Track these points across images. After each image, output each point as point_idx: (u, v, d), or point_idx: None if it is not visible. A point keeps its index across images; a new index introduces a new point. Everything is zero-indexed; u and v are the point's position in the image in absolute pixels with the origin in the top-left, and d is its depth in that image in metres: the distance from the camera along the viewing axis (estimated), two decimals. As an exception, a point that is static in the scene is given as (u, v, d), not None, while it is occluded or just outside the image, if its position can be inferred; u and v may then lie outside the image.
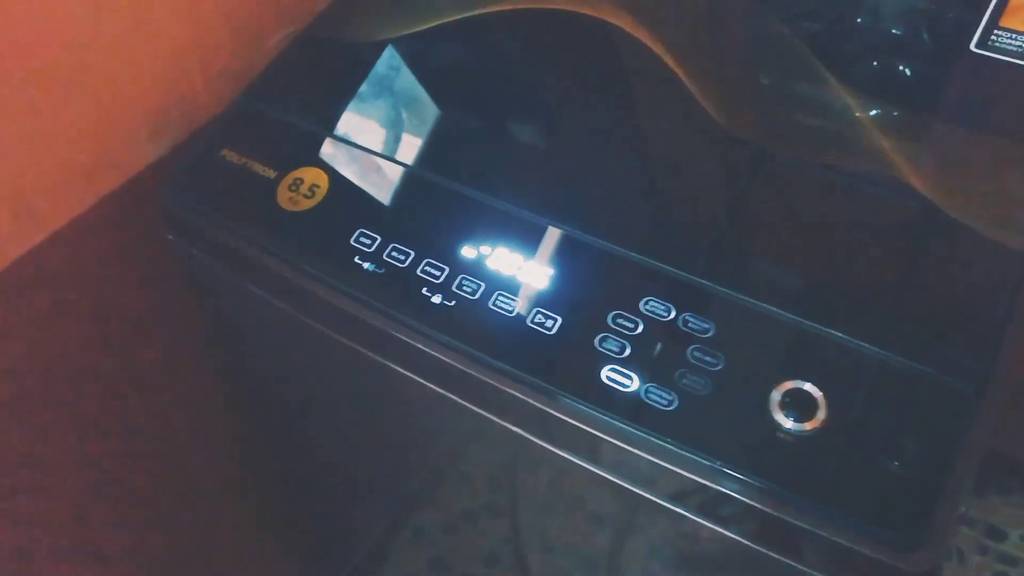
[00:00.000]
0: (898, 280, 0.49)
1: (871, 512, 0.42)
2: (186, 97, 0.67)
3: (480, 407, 0.51)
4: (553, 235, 0.52)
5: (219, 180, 0.59)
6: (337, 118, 0.61)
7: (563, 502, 0.55)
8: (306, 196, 0.57)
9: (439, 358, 0.50)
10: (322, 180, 0.57)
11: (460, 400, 0.51)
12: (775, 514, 0.43)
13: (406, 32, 0.65)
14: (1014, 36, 0.57)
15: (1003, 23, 0.58)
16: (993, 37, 0.57)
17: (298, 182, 0.57)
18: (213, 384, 0.80)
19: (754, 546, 0.45)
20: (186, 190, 0.59)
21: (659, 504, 0.47)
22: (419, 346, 0.51)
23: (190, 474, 0.84)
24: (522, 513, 0.60)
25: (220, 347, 0.72)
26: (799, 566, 0.44)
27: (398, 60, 0.65)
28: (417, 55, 0.65)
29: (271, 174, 0.58)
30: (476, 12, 0.66)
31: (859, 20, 0.62)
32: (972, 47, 0.57)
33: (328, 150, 0.59)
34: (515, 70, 0.65)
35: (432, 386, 0.52)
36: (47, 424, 0.68)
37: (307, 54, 0.66)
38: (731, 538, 0.46)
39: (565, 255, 0.51)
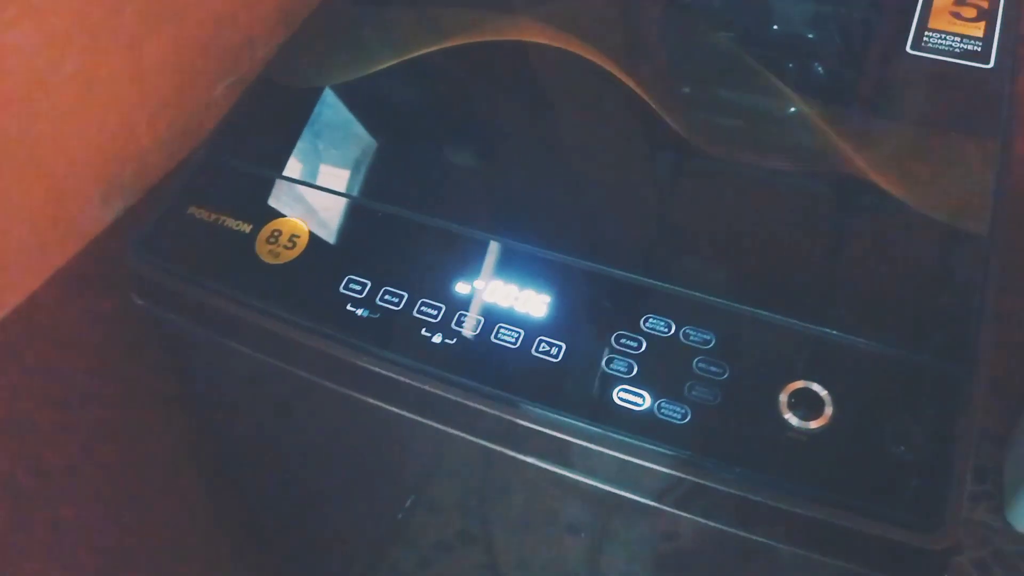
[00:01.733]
0: (879, 275, 0.51)
1: (891, 498, 0.44)
2: (136, 156, 0.65)
3: (494, 443, 0.51)
4: (545, 262, 0.53)
5: (191, 239, 0.57)
6: (306, 165, 0.61)
7: (585, 527, 0.56)
8: (287, 247, 0.56)
9: (447, 398, 0.50)
10: (301, 230, 0.56)
11: (472, 438, 0.51)
12: (799, 512, 0.45)
13: (364, 72, 0.65)
14: (943, 36, 0.61)
15: (932, 25, 0.62)
16: (925, 38, 0.61)
17: (277, 234, 0.56)
18: (184, 443, 0.77)
19: (780, 546, 0.47)
20: (156, 252, 0.57)
21: (684, 518, 0.48)
22: (426, 388, 0.50)
23: (162, 532, 0.80)
24: (542, 543, 0.60)
25: (196, 406, 0.70)
26: (827, 560, 0.46)
27: (361, 100, 0.64)
28: (379, 94, 0.65)
29: (246, 228, 0.57)
30: (431, 48, 0.66)
31: (804, 33, 0.65)
32: (908, 49, 0.61)
33: (303, 198, 0.59)
34: (481, 102, 0.65)
35: (441, 427, 0.52)
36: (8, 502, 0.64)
37: (265, 101, 0.65)
38: (758, 541, 0.47)
39: (559, 281, 0.52)
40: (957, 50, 0.61)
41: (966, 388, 0.46)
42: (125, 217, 0.65)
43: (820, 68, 0.62)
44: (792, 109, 0.59)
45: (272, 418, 0.65)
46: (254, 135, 0.63)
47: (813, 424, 0.46)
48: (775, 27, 0.67)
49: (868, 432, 0.46)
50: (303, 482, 0.71)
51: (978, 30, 0.62)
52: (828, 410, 0.46)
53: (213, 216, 0.58)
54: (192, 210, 0.58)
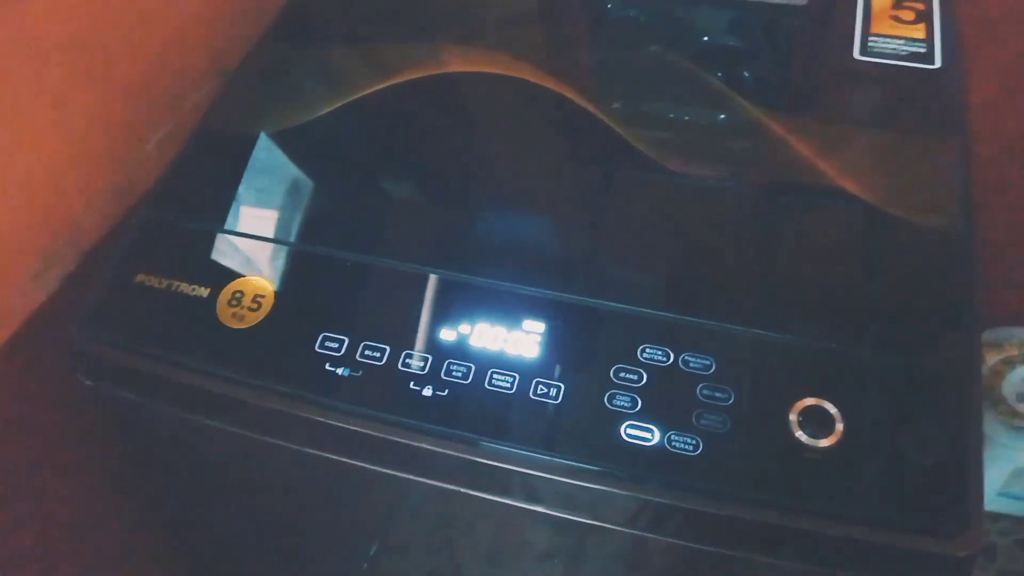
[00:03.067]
0: (869, 283, 0.51)
1: (913, 508, 0.43)
2: (69, 222, 0.60)
3: (499, 495, 0.48)
4: (529, 300, 0.51)
5: (143, 310, 0.53)
6: (261, 218, 0.57)
7: (599, 567, 0.54)
8: (251, 309, 0.52)
9: (448, 455, 0.47)
10: (265, 288, 0.53)
11: (475, 493, 0.48)
12: (825, 533, 0.44)
13: (310, 115, 0.62)
14: (887, 40, 0.62)
15: (875, 30, 0.63)
16: (871, 43, 0.62)
17: (239, 295, 0.52)
18: (143, 519, 0.72)
19: (806, 566, 0.46)
20: (103, 329, 0.53)
21: (707, 552, 0.46)
22: (423, 446, 0.47)
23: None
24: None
25: (158, 482, 0.65)
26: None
27: (310, 145, 0.61)
28: (328, 137, 0.62)
29: (204, 292, 0.53)
30: (377, 86, 0.63)
31: (756, 46, 0.66)
32: (856, 55, 0.62)
33: (262, 254, 0.55)
34: (436, 138, 0.63)
35: (440, 484, 0.49)
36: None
37: (207, 153, 0.61)
38: (784, 565, 0.46)
39: (548, 318, 0.50)
40: (903, 52, 0.62)
41: (970, 389, 0.46)
42: (62, 290, 0.60)
43: (776, 80, 0.63)
44: (755, 123, 0.59)
45: (247, 489, 0.61)
46: (199, 191, 0.59)
47: (826, 441, 0.45)
48: (728, 42, 0.67)
49: (881, 443, 0.45)
50: (284, 548, 0.66)
51: (919, 32, 0.63)
52: (839, 426, 0.45)
53: (165, 283, 0.53)
54: (140, 278, 0.54)
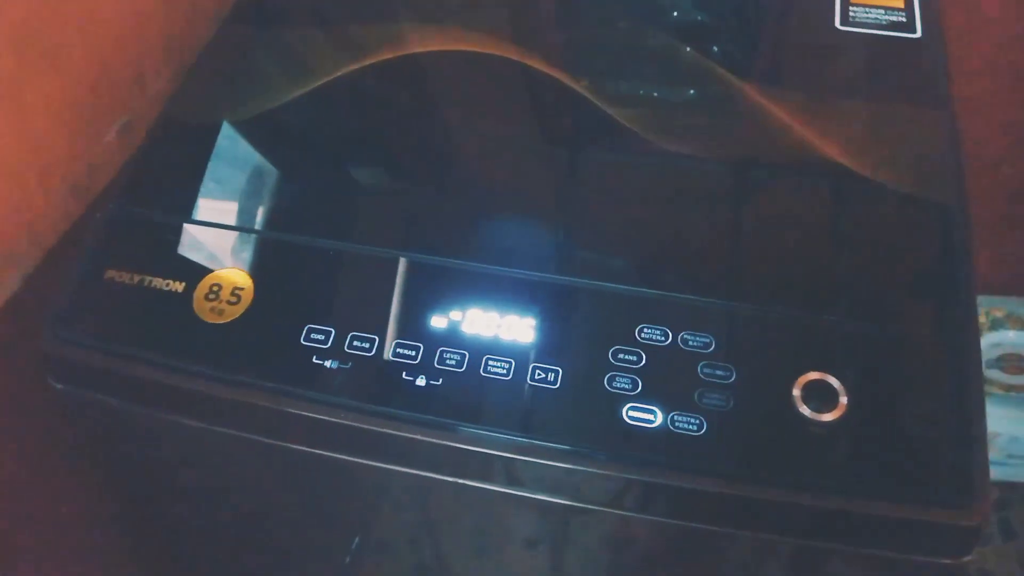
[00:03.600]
0: (864, 255, 0.50)
1: (920, 479, 0.43)
2: (30, 220, 0.57)
3: (500, 486, 0.47)
4: (521, 283, 0.49)
5: (115, 308, 0.50)
6: (234, 207, 0.55)
7: (607, 554, 0.52)
8: (231, 302, 0.49)
9: (443, 445, 0.45)
10: (244, 280, 0.50)
11: (475, 484, 0.47)
12: (835, 508, 0.43)
13: (280, 100, 0.59)
14: (867, 9, 0.62)
15: (854, 0, 0.63)
16: (851, 13, 0.62)
17: (216, 288, 0.50)
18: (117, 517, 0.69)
19: (814, 542, 0.45)
20: (73, 330, 0.50)
21: (718, 532, 0.45)
22: (419, 438, 0.46)
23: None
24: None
25: (134, 484, 0.62)
26: (861, 551, 0.45)
27: (282, 130, 0.59)
28: (300, 121, 0.59)
29: (179, 287, 0.50)
30: (348, 68, 0.61)
31: (737, 19, 0.65)
32: (837, 25, 0.61)
33: (238, 245, 0.53)
34: (413, 118, 0.61)
35: (438, 476, 0.47)
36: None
37: (173, 142, 0.58)
38: (792, 542, 0.45)
39: (542, 301, 0.49)
40: (884, 22, 0.61)
41: (970, 357, 0.46)
42: (24, 291, 0.57)
43: (761, 53, 0.62)
44: (743, 98, 0.58)
45: (233, 489, 0.59)
46: (168, 182, 0.56)
47: (830, 416, 0.44)
48: (706, 14, 0.66)
49: (884, 415, 0.44)
50: (271, 546, 0.64)
51: (898, 0, 0.63)
52: (842, 399, 0.45)
53: (137, 279, 0.51)
54: (110, 274, 0.51)
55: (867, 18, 0.61)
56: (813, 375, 0.45)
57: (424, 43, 0.64)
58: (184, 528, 0.67)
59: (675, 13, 0.70)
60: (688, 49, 0.61)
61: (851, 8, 0.62)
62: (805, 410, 0.45)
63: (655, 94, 0.61)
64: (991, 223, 1.00)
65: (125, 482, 0.61)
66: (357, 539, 0.62)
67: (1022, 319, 1.14)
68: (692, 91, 0.60)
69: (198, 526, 0.65)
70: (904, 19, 0.61)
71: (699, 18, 0.68)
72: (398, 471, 0.48)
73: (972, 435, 0.44)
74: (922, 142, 0.54)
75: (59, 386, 0.52)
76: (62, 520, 0.63)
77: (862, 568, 0.46)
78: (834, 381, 0.45)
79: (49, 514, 0.62)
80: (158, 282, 0.50)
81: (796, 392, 0.45)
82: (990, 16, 0.81)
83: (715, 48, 0.63)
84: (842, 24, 0.61)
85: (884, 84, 0.59)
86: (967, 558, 0.44)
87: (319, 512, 0.58)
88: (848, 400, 0.45)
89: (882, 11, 0.62)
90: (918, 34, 0.61)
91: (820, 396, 0.45)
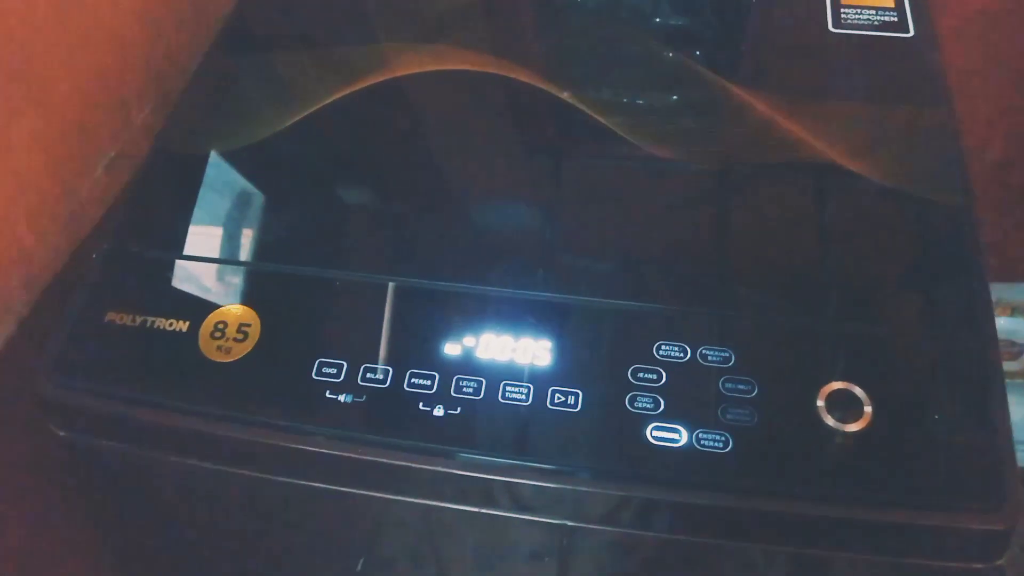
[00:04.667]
0: (878, 261, 0.50)
1: (950, 485, 0.42)
2: (21, 260, 0.55)
3: (529, 514, 0.46)
4: (534, 305, 0.49)
5: (116, 352, 0.49)
6: (234, 241, 0.53)
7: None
8: (237, 340, 0.48)
9: (466, 476, 0.44)
10: (250, 317, 0.49)
11: (503, 513, 0.46)
12: (866, 520, 0.42)
13: (275, 127, 0.58)
14: (859, 11, 0.62)
15: (845, 1, 0.62)
16: (843, 15, 0.61)
17: (222, 326, 0.49)
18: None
19: (846, 554, 0.45)
20: (74, 375, 0.48)
21: (751, 549, 0.45)
22: (439, 469, 0.44)
23: None
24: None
25: (141, 531, 0.60)
26: (892, 560, 0.44)
27: (280, 159, 0.57)
28: (297, 151, 0.58)
29: (183, 326, 0.49)
30: (342, 92, 0.60)
31: (731, 24, 0.64)
32: (831, 28, 0.61)
33: (241, 280, 0.51)
34: (413, 142, 0.60)
35: (464, 508, 0.46)
36: None
37: (166, 176, 0.57)
38: (822, 555, 0.45)
39: (556, 322, 0.48)
40: (876, 23, 0.61)
41: (991, 358, 0.45)
42: (18, 335, 0.55)
43: (758, 58, 0.61)
44: (745, 106, 0.58)
45: (248, 530, 0.57)
46: (164, 217, 0.55)
47: (856, 426, 0.44)
48: (698, 20, 0.65)
49: (910, 422, 0.44)
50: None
51: (888, 0, 0.63)
52: (867, 408, 0.44)
53: (139, 319, 0.49)
54: (110, 316, 0.50)
55: (859, 19, 0.61)
56: (837, 385, 0.45)
57: (411, 64, 0.63)
58: (192, 563, 0.65)
59: (682, 19, 0.69)
60: (700, 57, 0.61)
61: (843, 10, 0.62)
62: (831, 421, 0.44)
63: (664, 103, 0.61)
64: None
65: (132, 527, 0.60)
66: (363, 559, 0.61)
67: (1012, 305, 1.15)
68: (701, 101, 0.59)
69: (208, 563, 0.63)
70: (896, 19, 0.61)
71: (710, 25, 0.67)
72: (422, 504, 0.46)
73: (998, 437, 0.43)
74: (926, 143, 0.54)
75: (62, 433, 0.50)
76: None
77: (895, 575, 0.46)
78: (858, 390, 0.45)
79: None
80: (161, 322, 0.49)
81: (820, 403, 0.45)
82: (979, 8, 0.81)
83: (728, 56, 0.63)
84: (835, 27, 0.61)
85: (882, 84, 0.58)
86: (1000, 561, 0.44)
87: (333, 546, 0.56)
88: (872, 409, 0.44)
89: (873, 12, 0.62)
90: (911, 33, 0.61)
91: (844, 406, 0.44)
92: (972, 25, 0.79)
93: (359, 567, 0.61)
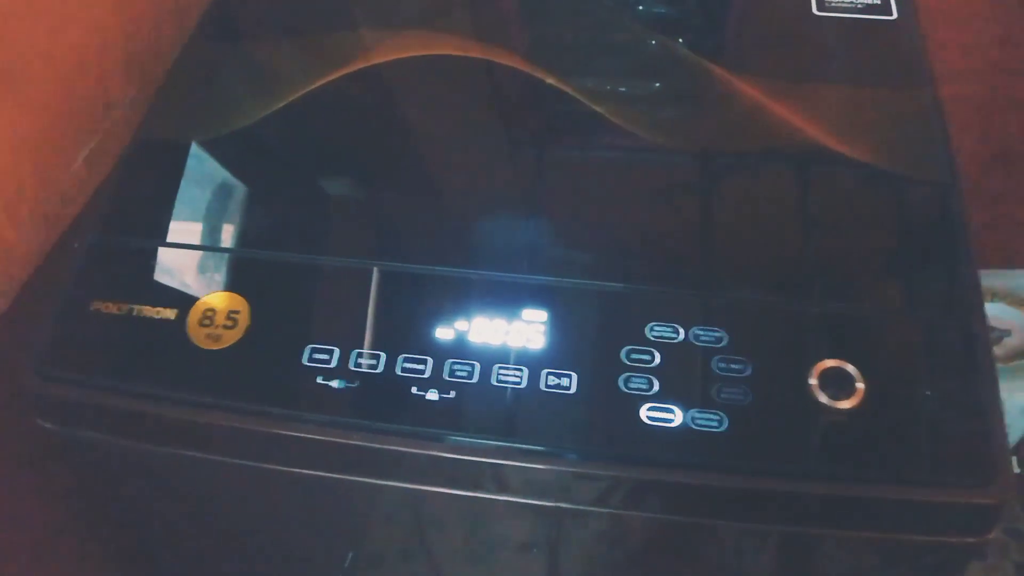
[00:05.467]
0: (867, 240, 0.50)
1: (942, 460, 0.43)
2: (1, 253, 0.54)
3: (525, 497, 0.45)
4: (526, 288, 0.48)
5: (103, 342, 0.48)
6: (221, 228, 0.53)
7: (634, 556, 0.52)
8: (227, 327, 0.48)
9: (461, 459, 0.44)
10: (239, 303, 0.48)
11: (499, 497, 0.46)
12: (860, 495, 0.43)
13: (259, 114, 0.58)
14: (842, -7, 0.62)
15: (828, -16, 0.63)
16: (826, -1, 0.62)
17: (210, 313, 0.48)
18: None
19: (841, 531, 0.45)
20: (61, 367, 0.47)
21: (747, 528, 0.45)
22: (433, 454, 0.44)
23: None
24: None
25: (133, 520, 0.59)
26: (886, 536, 0.45)
27: (265, 145, 0.57)
28: (282, 137, 0.58)
29: (170, 314, 0.48)
30: (325, 78, 0.59)
31: (709, 6, 0.64)
32: (815, 11, 0.62)
33: (229, 267, 0.51)
34: (399, 127, 0.59)
35: (458, 492, 0.46)
36: None
37: (150, 165, 0.56)
38: (819, 532, 0.45)
39: (548, 305, 0.48)
40: (860, 5, 0.62)
41: (979, 335, 0.46)
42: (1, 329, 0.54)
43: (743, 42, 0.62)
44: (733, 90, 0.58)
45: (240, 517, 0.57)
46: (148, 206, 0.54)
47: (849, 403, 0.44)
48: (682, 4, 0.65)
49: (902, 399, 0.44)
50: (269, 569, 0.62)
51: (871, -17, 0.63)
52: (859, 385, 0.45)
53: (125, 308, 0.49)
54: (96, 306, 0.49)
55: (843, 2, 0.62)
56: (829, 363, 0.45)
57: (394, 50, 0.62)
58: (183, 554, 0.64)
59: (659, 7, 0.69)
60: (687, 42, 0.61)
61: (826, -7, 0.62)
62: (824, 398, 0.44)
63: (652, 88, 0.61)
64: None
65: (123, 517, 0.59)
66: (351, 554, 0.61)
67: (994, 290, 1.16)
68: (689, 85, 0.59)
69: (197, 551, 0.63)
70: (879, 1, 0.62)
71: (694, 9, 0.67)
72: (415, 490, 0.46)
73: (988, 413, 0.44)
74: (911, 124, 0.54)
75: (50, 426, 0.49)
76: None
77: (888, 551, 0.46)
78: (850, 368, 0.45)
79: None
80: (148, 311, 0.48)
81: (813, 381, 0.45)
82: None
83: (713, 40, 0.63)
84: (819, 10, 0.62)
85: (867, 67, 0.59)
86: (991, 535, 0.44)
87: (324, 532, 0.56)
88: (865, 386, 0.44)
89: (856, -6, 0.62)
90: (894, 16, 0.61)
91: (837, 383, 0.45)
92: (954, 7, 0.80)
93: (347, 563, 0.61)
